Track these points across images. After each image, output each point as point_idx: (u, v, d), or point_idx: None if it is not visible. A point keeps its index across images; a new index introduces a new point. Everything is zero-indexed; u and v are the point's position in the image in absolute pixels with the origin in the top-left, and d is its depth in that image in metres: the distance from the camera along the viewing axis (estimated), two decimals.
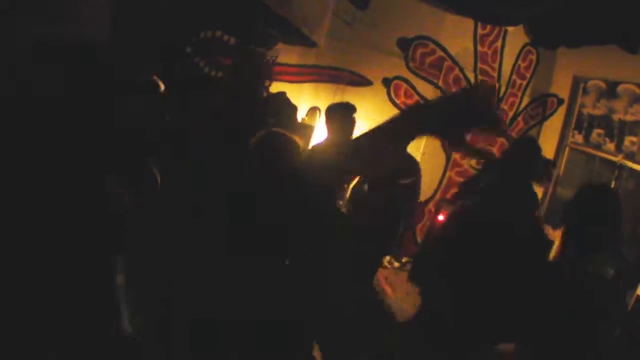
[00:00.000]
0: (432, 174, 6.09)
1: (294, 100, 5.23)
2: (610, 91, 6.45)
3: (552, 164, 4.96)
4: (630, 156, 6.03)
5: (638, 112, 6.04)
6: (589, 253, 2.68)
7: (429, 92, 5.96)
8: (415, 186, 4.60)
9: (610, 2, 5.20)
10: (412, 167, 4.45)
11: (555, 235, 5.80)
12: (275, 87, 5.34)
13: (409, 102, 5.82)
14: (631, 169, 6.05)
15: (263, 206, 2.51)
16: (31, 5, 3.36)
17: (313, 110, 5.60)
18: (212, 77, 5.37)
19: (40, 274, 1.96)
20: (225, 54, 5.29)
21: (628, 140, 6.15)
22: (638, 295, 5.13)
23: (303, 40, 5.48)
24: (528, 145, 4.28)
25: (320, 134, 5.47)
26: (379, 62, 5.82)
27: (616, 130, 6.31)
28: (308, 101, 5.60)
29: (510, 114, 6.59)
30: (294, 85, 5.48)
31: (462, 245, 3.17)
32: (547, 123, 7.03)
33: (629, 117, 6.15)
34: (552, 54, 7.01)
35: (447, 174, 6.26)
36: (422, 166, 5.26)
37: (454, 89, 6.07)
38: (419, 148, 5.86)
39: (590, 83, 6.78)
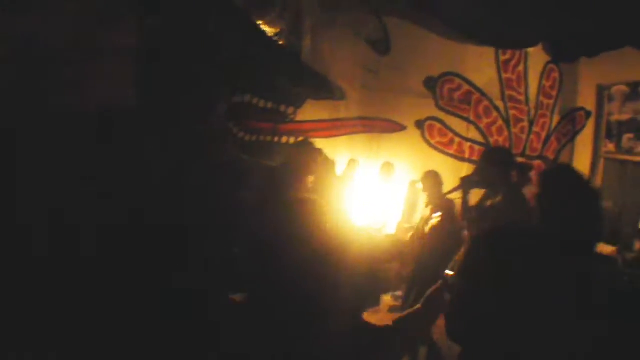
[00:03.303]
0: None
1: (330, 155, 5.58)
2: (633, 93, 6.94)
3: (528, 167, 5.24)
4: None
5: None
6: None
7: (462, 127, 6.37)
8: None
9: (619, 5, 5.55)
10: None
11: (602, 248, 6.22)
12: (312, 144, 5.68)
13: (444, 140, 6.23)
14: None
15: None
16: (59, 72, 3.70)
17: (351, 161, 5.97)
18: (246, 141, 5.68)
19: None
20: (259, 117, 5.63)
21: None
22: None
23: (333, 94, 5.86)
24: (498, 154, 4.45)
25: (358, 185, 5.82)
26: (409, 105, 6.23)
27: None
28: (344, 153, 5.96)
29: (543, 135, 6.99)
30: (329, 140, 5.82)
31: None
32: (579, 137, 7.42)
33: None
34: (574, 66, 7.44)
35: None
36: None
37: (484, 120, 6.45)
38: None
39: (614, 89, 7.24)
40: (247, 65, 5.35)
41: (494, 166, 4.02)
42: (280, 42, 5.43)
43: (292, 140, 5.89)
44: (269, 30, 5.39)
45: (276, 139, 5.85)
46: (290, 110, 5.86)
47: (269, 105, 5.77)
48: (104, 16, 4.13)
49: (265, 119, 5.73)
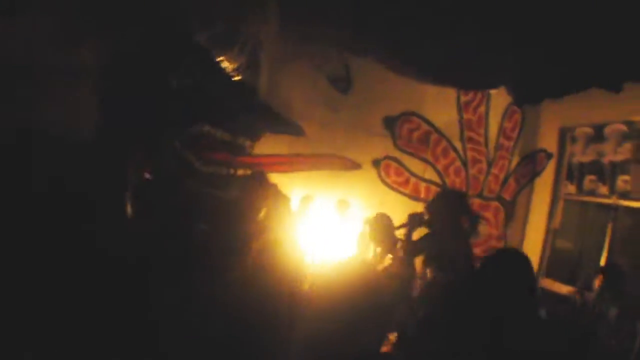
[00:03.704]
0: None
1: (285, 190, 5.61)
2: (597, 135, 7.01)
3: (479, 217, 5.33)
4: (624, 195, 6.57)
5: (627, 150, 6.59)
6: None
7: (419, 167, 6.46)
8: None
9: (585, 46, 5.48)
10: None
11: (560, 288, 6.29)
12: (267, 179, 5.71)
13: (400, 180, 6.30)
14: (626, 208, 6.59)
15: None
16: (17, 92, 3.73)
17: (306, 197, 6.02)
18: (202, 172, 5.71)
19: None
20: (216, 148, 5.66)
21: (620, 180, 6.67)
22: None
23: (291, 129, 5.92)
24: (452, 200, 4.54)
25: (312, 221, 5.86)
26: (367, 143, 6.37)
27: (607, 173, 6.85)
28: (300, 189, 6.01)
29: (502, 177, 7.10)
30: (285, 176, 5.87)
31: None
32: (539, 179, 7.54)
33: (618, 157, 6.71)
34: (537, 108, 7.59)
35: None
36: None
37: (442, 161, 6.54)
38: None
39: (578, 131, 7.36)
40: (206, 96, 5.40)
41: (445, 208, 4.12)
42: (237, 78, 5.47)
43: (248, 173, 5.90)
44: (227, 66, 5.44)
45: (232, 171, 5.88)
46: (248, 143, 5.93)
47: (227, 137, 5.82)
48: (69, 36, 4.18)
49: (223, 150, 5.76)
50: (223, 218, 4.32)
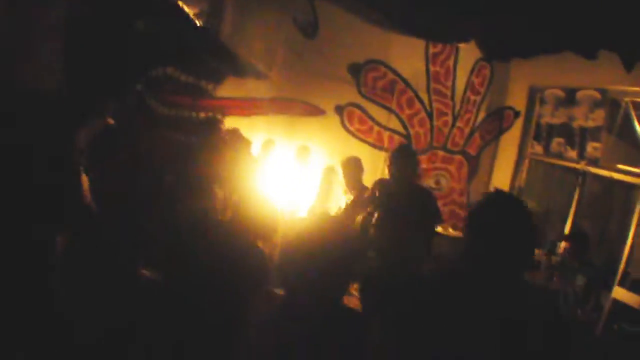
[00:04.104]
0: None
1: (247, 134, 5.61)
2: (569, 99, 7.06)
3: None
4: (594, 162, 6.65)
5: (599, 118, 6.64)
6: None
7: (382, 116, 6.47)
8: None
9: (562, 10, 5.57)
10: None
11: None
12: (228, 122, 5.71)
13: (363, 128, 6.31)
14: (595, 175, 6.68)
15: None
16: None
17: (267, 142, 6.01)
18: (163, 115, 5.68)
19: None
20: (178, 91, 5.63)
21: (590, 146, 6.72)
22: (614, 299, 5.67)
23: (253, 72, 5.89)
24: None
25: (273, 166, 5.87)
26: (331, 90, 6.41)
27: (577, 138, 6.90)
28: (261, 134, 6.00)
29: (467, 131, 7.15)
30: (246, 119, 5.85)
31: None
32: (505, 136, 7.71)
33: (590, 123, 6.74)
34: (506, 66, 7.70)
35: None
36: None
37: (406, 111, 6.54)
38: (378, 171, 6.34)
39: (548, 92, 7.42)
40: (169, 39, 5.37)
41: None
42: (199, 22, 5.45)
43: (210, 116, 5.88)
44: (188, 10, 5.40)
45: (194, 114, 5.85)
46: (210, 86, 5.92)
47: (190, 79, 5.79)
48: None
49: (185, 93, 5.74)
50: (185, 162, 4.34)
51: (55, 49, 4.23)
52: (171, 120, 5.70)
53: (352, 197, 5.58)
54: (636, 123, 6.26)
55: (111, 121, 3.65)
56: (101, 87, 4.33)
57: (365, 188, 5.62)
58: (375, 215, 4.70)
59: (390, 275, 4.30)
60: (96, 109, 3.59)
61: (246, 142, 5.29)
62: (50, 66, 4.10)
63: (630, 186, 6.30)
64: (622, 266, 5.87)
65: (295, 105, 6.24)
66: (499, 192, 2.25)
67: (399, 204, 4.55)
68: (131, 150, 3.96)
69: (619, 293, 5.71)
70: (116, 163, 3.60)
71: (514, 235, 1.98)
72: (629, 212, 6.21)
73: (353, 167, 5.61)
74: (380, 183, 4.98)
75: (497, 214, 2.04)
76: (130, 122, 4.83)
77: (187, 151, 4.70)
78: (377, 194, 4.85)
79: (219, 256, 3.07)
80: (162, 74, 5.59)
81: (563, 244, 5.97)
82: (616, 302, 5.68)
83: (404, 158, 4.71)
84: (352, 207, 5.46)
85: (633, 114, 6.32)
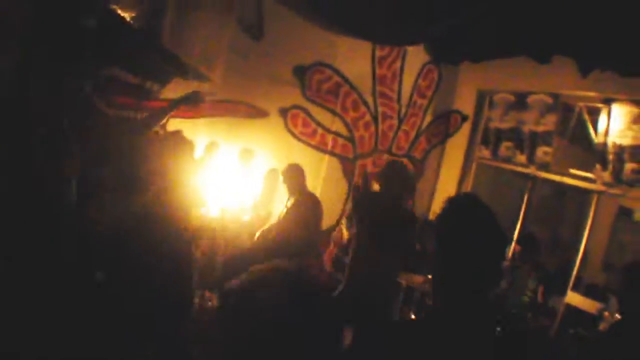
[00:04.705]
0: (335, 200, 6.64)
1: (189, 137, 5.64)
2: (519, 103, 7.23)
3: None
4: (544, 166, 6.79)
5: (551, 122, 6.80)
6: None
7: (327, 119, 6.56)
8: None
9: (515, 15, 5.62)
10: None
11: None
12: (171, 125, 5.73)
13: (307, 130, 6.39)
14: (545, 179, 6.85)
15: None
16: None
17: (211, 144, 6.06)
18: (109, 116, 5.70)
19: None
20: (124, 93, 5.65)
21: (541, 150, 6.88)
22: (567, 304, 5.81)
23: (198, 75, 5.91)
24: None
25: (215, 168, 5.92)
26: (275, 92, 6.55)
27: (527, 142, 7.06)
28: (204, 136, 6.05)
29: (412, 134, 7.27)
30: (189, 121, 5.87)
31: None
32: (452, 140, 7.89)
33: (541, 128, 6.91)
34: (455, 69, 7.88)
35: (350, 199, 6.81)
36: (324, 192, 5.85)
37: (351, 114, 6.62)
38: (320, 174, 6.41)
39: (497, 96, 7.59)
40: (112, 40, 5.37)
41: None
42: (136, 25, 5.46)
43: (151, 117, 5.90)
44: (125, 14, 5.41)
45: (138, 115, 5.86)
46: (155, 87, 5.93)
47: (135, 80, 5.80)
48: None
49: (130, 94, 5.75)
50: (126, 160, 4.41)
51: (9, 51, 4.22)
52: (117, 120, 5.70)
53: (292, 201, 5.68)
54: (590, 128, 6.43)
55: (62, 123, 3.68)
56: (54, 89, 4.36)
57: (309, 193, 5.74)
58: (355, 228, 4.51)
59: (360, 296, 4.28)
60: (50, 111, 3.63)
61: (189, 144, 5.34)
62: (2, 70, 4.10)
63: (583, 191, 6.46)
64: (575, 271, 6.08)
65: (238, 107, 6.34)
66: (466, 196, 2.14)
67: (385, 222, 4.37)
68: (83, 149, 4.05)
69: (573, 298, 5.87)
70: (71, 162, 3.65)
71: (488, 242, 1.78)
72: (582, 217, 6.41)
73: (294, 173, 5.72)
74: (368, 196, 4.80)
75: (468, 220, 1.82)
76: (82, 123, 4.86)
77: (129, 150, 4.76)
78: (362, 206, 4.61)
79: (153, 250, 3.19)
80: (108, 75, 5.59)
81: (513, 248, 6.09)
82: (569, 307, 5.84)
83: (392, 175, 4.60)
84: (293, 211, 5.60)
85: (587, 118, 6.49)
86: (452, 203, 1.88)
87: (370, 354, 1.75)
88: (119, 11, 5.26)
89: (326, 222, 6.49)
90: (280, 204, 6.05)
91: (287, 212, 5.73)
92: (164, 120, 5.96)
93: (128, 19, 5.39)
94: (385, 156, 7.06)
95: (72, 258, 3.23)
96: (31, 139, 3.18)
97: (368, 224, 4.38)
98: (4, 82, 3.97)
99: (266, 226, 5.98)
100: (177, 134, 5.59)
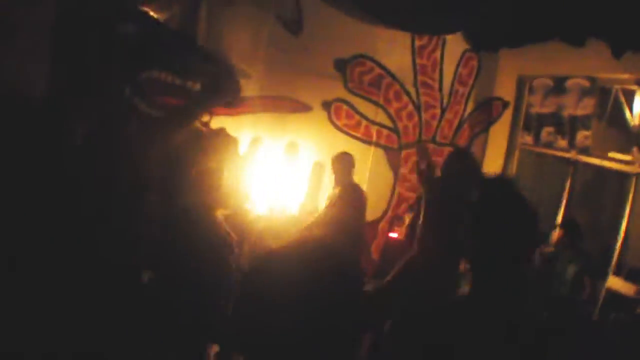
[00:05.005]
0: (381, 191, 6.60)
1: (233, 133, 5.66)
2: (558, 87, 7.16)
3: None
4: (584, 150, 6.75)
5: (589, 105, 6.73)
6: None
7: (370, 111, 6.53)
8: None
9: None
10: None
11: None
12: (214, 123, 5.75)
13: (351, 123, 6.37)
14: (586, 164, 6.79)
15: None
16: None
17: (255, 140, 6.07)
18: (152, 117, 5.73)
19: None
20: (166, 93, 5.68)
21: (581, 135, 6.81)
22: (608, 288, 5.74)
23: (239, 73, 5.92)
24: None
25: (261, 164, 5.92)
26: (318, 86, 6.57)
27: (567, 127, 7.00)
28: (248, 132, 6.06)
29: (455, 123, 7.23)
30: (233, 118, 5.88)
31: None
32: (494, 127, 7.81)
33: (579, 112, 6.84)
34: (494, 56, 7.86)
35: (397, 190, 6.80)
36: (370, 184, 5.80)
37: (394, 104, 6.58)
38: (367, 166, 6.38)
39: (536, 82, 7.55)
40: (151, 42, 5.42)
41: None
42: (172, 27, 5.51)
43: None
44: (158, 16, 5.46)
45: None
46: (196, 86, 5.90)
47: (177, 81, 5.82)
48: None
49: (172, 95, 5.77)
50: (169, 163, 4.40)
51: (41, 52, 4.27)
52: (158, 122, 5.74)
53: (336, 193, 5.64)
54: (627, 110, 6.38)
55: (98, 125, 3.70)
56: (87, 91, 4.41)
57: (354, 184, 5.70)
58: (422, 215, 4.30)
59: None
60: (82, 113, 3.65)
61: (233, 141, 5.36)
62: (35, 71, 4.15)
63: (622, 174, 6.40)
64: (616, 255, 5.97)
65: (282, 102, 6.37)
66: (500, 178, 2.13)
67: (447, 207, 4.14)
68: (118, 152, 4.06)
69: (614, 282, 5.78)
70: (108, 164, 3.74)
71: (520, 221, 1.79)
72: (622, 201, 6.35)
73: (344, 162, 5.68)
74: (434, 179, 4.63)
75: (504, 200, 1.82)
76: (118, 126, 4.90)
77: (172, 152, 4.78)
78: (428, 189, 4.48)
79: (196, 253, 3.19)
80: (148, 77, 5.64)
81: (556, 233, 6.03)
82: (610, 292, 5.75)
83: (454, 162, 4.48)
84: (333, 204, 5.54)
85: (623, 101, 6.45)
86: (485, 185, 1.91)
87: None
88: (152, 13, 5.33)
89: (375, 213, 6.50)
90: (325, 197, 6.02)
91: (332, 204, 5.69)
92: (207, 119, 6.02)
93: (162, 20, 5.46)
94: (431, 146, 6.98)
95: (120, 259, 3.25)
96: (66, 144, 3.20)
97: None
98: (38, 87, 4.03)
99: (312, 219, 5.96)
100: (221, 131, 5.61)
